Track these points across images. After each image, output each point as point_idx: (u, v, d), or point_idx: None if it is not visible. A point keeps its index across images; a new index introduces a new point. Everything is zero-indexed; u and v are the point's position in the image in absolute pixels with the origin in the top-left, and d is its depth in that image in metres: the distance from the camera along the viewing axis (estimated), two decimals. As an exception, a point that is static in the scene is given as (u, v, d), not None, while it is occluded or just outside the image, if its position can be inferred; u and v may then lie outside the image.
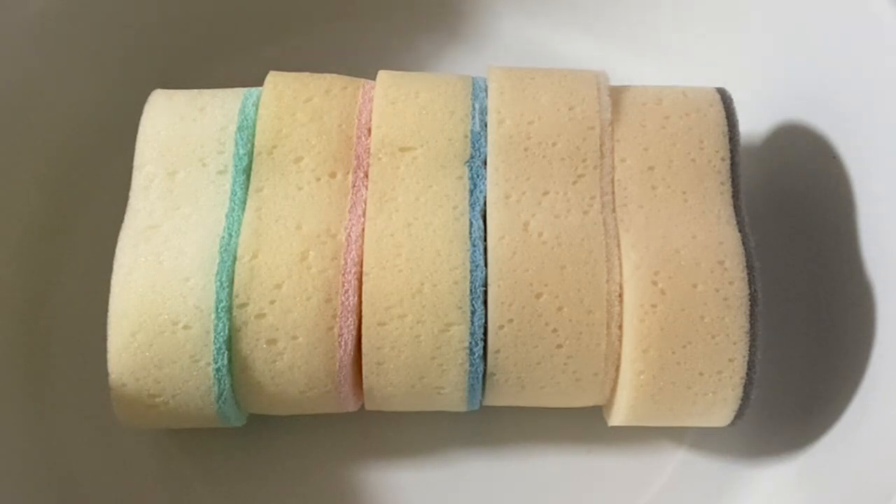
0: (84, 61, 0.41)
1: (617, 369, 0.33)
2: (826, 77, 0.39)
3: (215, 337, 0.32)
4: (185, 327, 0.32)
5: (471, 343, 0.33)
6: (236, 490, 0.37)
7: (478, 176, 0.34)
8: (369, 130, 0.35)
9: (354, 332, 0.33)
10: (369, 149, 0.35)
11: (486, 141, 0.35)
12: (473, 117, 0.35)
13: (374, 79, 0.37)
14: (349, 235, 0.33)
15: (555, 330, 0.33)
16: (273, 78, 0.36)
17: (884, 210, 0.36)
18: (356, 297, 0.33)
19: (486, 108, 0.35)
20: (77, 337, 0.39)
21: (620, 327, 0.33)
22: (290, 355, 0.33)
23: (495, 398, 0.35)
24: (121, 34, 0.42)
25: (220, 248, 0.33)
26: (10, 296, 0.39)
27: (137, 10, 0.42)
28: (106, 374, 0.33)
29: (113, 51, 0.42)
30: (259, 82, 0.37)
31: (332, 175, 0.34)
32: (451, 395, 0.34)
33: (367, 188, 0.34)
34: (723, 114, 0.36)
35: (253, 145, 0.35)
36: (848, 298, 0.38)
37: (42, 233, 0.40)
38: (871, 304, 0.36)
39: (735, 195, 0.35)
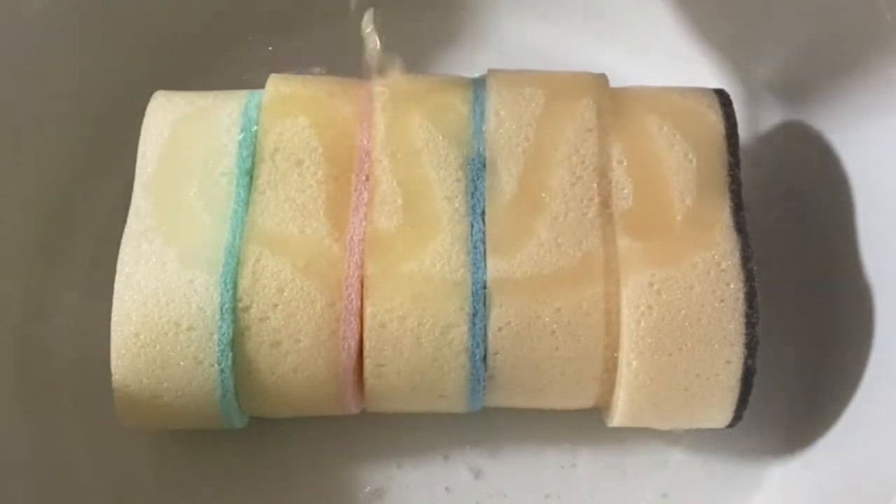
0: (85, 62, 0.41)
1: (615, 371, 0.33)
2: (827, 77, 0.39)
3: (219, 338, 0.32)
4: (189, 328, 0.32)
5: (472, 345, 0.33)
6: (236, 490, 0.37)
7: (478, 178, 0.34)
8: (371, 133, 0.35)
9: (357, 335, 0.33)
10: (370, 151, 0.35)
11: (485, 143, 0.35)
12: (473, 119, 0.35)
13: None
14: (351, 238, 0.33)
15: (553, 332, 0.33)
16: (274, 80, 0.36)
17: (884, 210, 0.36)
18: (359, 301, 0.33)
19: (485, 110, 0.35)
20: (80, 337, 0.39)
21: (618, 329, 0.33)
22: (294, 358, 0.33)
23: (495, 399, 0.35)
24: (121, 35, 0.42)
25: (224, 250, 0.33)
26: (13, 295, 0.39)
27: (138, 12, 0.42)
28: (109, 374, 0.33)
29: (114, 52, 0.42)
30: (260, 83, 0.37)
31: (334, 178, 0.34)
32: (452, 397, 0.34)
33: (368, 191, 0.34)
34: (722, 115, 0.36)
35: (255, 148, 0.35)
36: (848, 298, 0.38)
37: (45, 233, 0.40)
38: (870, 304, 0.36)
39: (733, 196, 0.35)
